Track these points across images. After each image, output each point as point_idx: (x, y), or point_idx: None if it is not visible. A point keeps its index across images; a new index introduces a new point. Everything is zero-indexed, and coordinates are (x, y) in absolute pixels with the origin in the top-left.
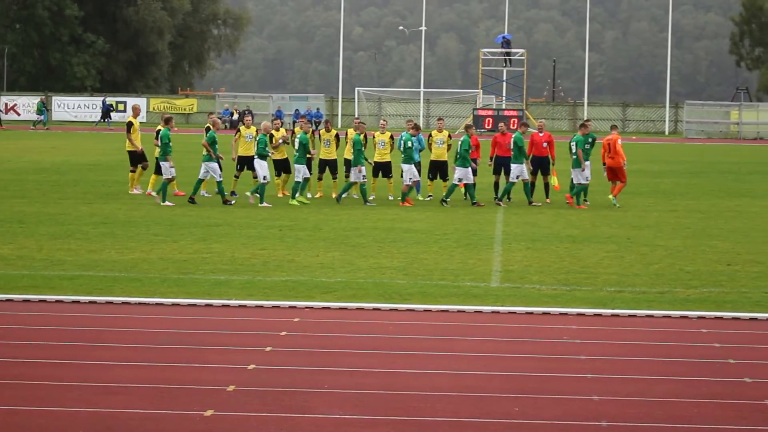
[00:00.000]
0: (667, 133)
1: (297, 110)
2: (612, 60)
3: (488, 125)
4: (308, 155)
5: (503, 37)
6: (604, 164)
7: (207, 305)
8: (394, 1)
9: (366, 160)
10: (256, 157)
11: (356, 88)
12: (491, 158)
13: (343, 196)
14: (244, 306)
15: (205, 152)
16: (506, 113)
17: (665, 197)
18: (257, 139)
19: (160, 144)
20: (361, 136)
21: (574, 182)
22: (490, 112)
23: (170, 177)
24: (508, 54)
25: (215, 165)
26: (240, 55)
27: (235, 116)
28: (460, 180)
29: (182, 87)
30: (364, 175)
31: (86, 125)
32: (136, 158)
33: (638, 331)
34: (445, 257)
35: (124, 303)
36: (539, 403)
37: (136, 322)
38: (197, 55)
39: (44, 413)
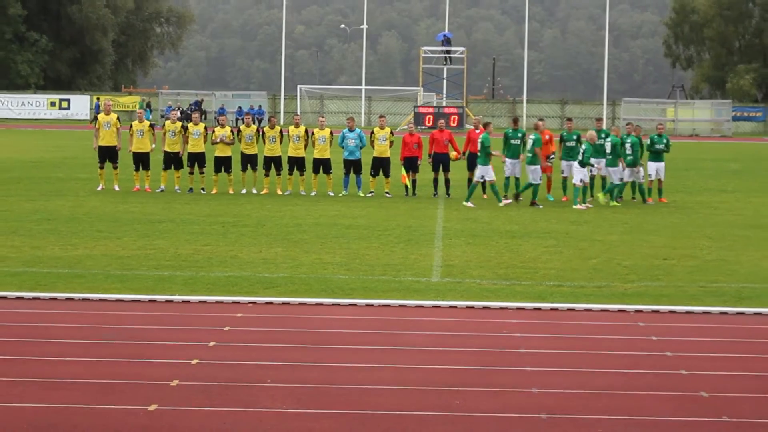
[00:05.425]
0: None
1: (240, 107)
2: (551, 58)
3: (429, 122)
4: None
5: (444, 36)
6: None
7: (150, 301)
8: (335, 0)
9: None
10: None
11: (298, 86)
12: (429, 155)
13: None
14: (188, 302)
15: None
16: (446, 110)
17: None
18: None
19: (481, 147)
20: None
21: (531, 181)
22: (430, 110)
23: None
24: (448, 52)
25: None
26: (183, 53)
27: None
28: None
29: (126, 84)
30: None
31: (29, 123)
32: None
33: (577, 325)
34: (387, 252)
35: (67, 299)
36: (480, 396)
37: (79, 318)
38: (140, 53)
39: None
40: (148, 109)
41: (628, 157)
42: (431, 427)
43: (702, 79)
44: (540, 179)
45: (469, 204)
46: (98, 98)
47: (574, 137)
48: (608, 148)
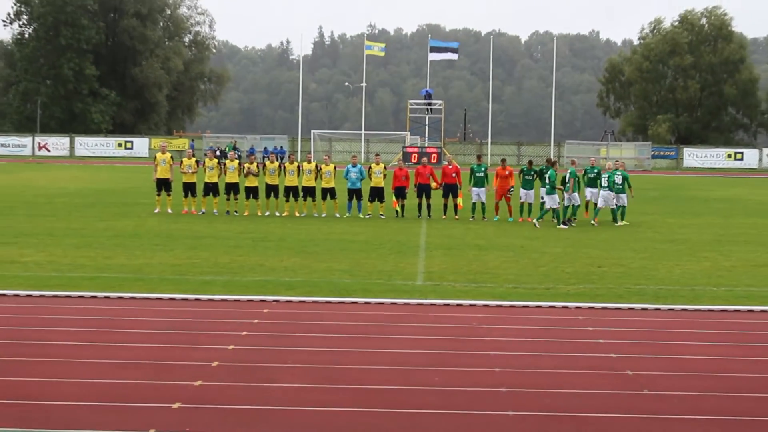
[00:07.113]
0: None
1: (265, 147)
2: (509, 109)
3: (414, 159)
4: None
5: (426, 91)
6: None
7: (196, 299)
8: (341, 64)
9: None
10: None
11: (312, 131)
12: (415, 185)
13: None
14: (225, 300)
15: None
16: (428, 150)
17: (548, 216)
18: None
19: (549, 181)
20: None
21: (552, 206)
22: (415, 149)
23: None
24: (429, 104)
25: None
26: (221, 105)
27: (218, 153)
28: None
29: (176, 129)
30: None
31: (101, 159)
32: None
33: (530, 319)
34: (382, 261)
35: (131, 298)
36: (454, 374)
37: (140, 312)
38: (188, 105)
39: (70, 384)
40: (237, 150)
41: (617, 186)
42: (417, 399)
43: (628, 126)
44: (558, 205)
45: (537, 225)
46: (192, 140)
47: (596, 171)
48: (618, 179)
